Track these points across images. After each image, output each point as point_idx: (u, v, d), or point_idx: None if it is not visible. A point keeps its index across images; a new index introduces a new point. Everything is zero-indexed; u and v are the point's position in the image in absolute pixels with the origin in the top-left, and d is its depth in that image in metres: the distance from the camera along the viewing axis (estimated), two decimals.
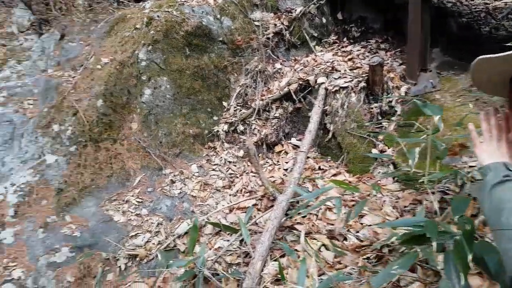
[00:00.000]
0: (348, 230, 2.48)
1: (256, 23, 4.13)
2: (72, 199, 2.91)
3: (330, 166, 3.27)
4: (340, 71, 3.56)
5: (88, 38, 4.15)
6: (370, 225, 2.47)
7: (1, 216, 2.73)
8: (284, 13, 4.22)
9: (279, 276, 2.12)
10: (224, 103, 3.87)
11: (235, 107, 3.86)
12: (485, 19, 4.56)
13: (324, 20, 4.41)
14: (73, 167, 3.05)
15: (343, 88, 3.39)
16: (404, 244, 1.68)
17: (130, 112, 3.44)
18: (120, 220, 2.86)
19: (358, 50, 3.99)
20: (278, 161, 3.51)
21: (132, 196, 3.04)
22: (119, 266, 2.61)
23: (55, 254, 2.60)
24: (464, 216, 1.58)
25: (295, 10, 4.22)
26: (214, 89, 3.84)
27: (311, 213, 2.68)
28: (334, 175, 3.11)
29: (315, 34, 4.32)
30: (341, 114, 3.34)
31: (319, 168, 3.27)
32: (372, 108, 3.29)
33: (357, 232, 2.46)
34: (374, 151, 3.06)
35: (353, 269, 2.17)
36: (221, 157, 3.55)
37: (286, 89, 3.68)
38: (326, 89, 3.47)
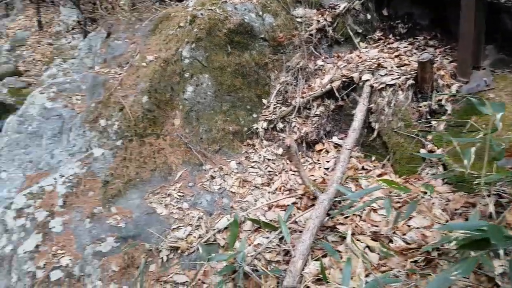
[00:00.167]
0: (394, 232, 2.38)
1: (299, 19, 4.08)
2: (117, 191, 3.00)
3: (374, 166, 3.16)
4: (386, 68, 3.43)
5: (133, 36, 4.29)
6: (418, 228, 2.35)
7: (51, 206, 2.84)
8: (328, 10, 4.16)
9: (321, 276, 2.08)
10: (264, 101, 3.85)
11: (274, 104, 3.83)
12: None
13: (368, 16, 4.29)
14: (119, 160, 3.15)
15: (390, 85, 3.26)
16: (463, 248, 1.57)
17: (173, 109, 3.51)
18: (162, 212, 2.91)
19: (405, 47, 3.84)
20: (318, 160, 3.44)
21: (174, 190, 3.09)
22: (161, 258, 2.65)
23: (100, 243, 2.67)
24: None
25: (339, 6, 4.14)
26: (254, 86, 3.84)
27: (354, 214, 2.60)
28: (379, 175, 3.00)
29: (360, 31, 4.21)
30: (387, 112, 3.22)
31: (363, 168, 3.16)
32: (420, 107, 3.14)
33: (404, 234, 2.35)
34: (423, 151, 2.91)
35: (400, 271, 2.08)
36: (259, 155, 3.53)
37: (328, 86, 3.59)
38: (371, 86, 3.35)
